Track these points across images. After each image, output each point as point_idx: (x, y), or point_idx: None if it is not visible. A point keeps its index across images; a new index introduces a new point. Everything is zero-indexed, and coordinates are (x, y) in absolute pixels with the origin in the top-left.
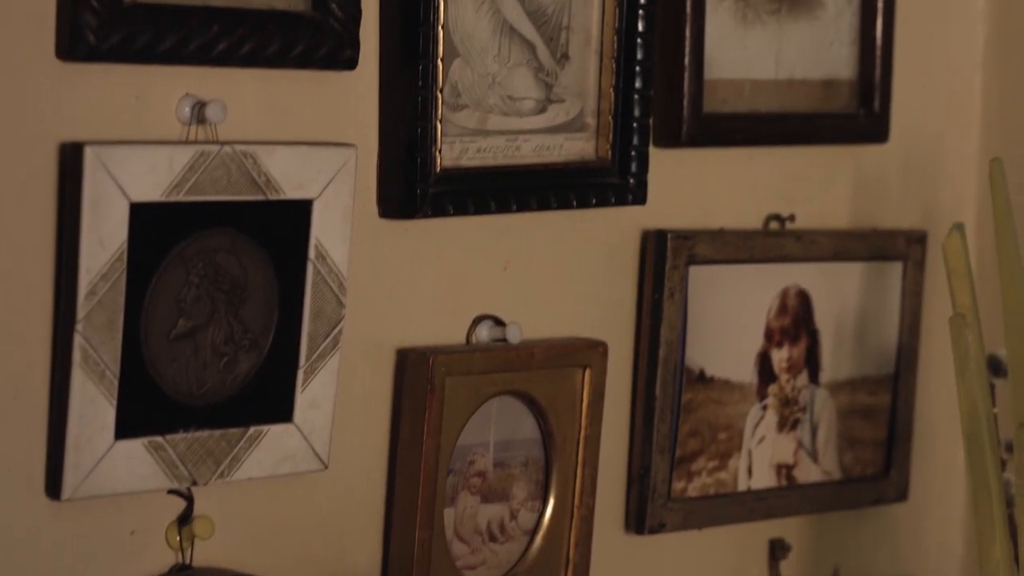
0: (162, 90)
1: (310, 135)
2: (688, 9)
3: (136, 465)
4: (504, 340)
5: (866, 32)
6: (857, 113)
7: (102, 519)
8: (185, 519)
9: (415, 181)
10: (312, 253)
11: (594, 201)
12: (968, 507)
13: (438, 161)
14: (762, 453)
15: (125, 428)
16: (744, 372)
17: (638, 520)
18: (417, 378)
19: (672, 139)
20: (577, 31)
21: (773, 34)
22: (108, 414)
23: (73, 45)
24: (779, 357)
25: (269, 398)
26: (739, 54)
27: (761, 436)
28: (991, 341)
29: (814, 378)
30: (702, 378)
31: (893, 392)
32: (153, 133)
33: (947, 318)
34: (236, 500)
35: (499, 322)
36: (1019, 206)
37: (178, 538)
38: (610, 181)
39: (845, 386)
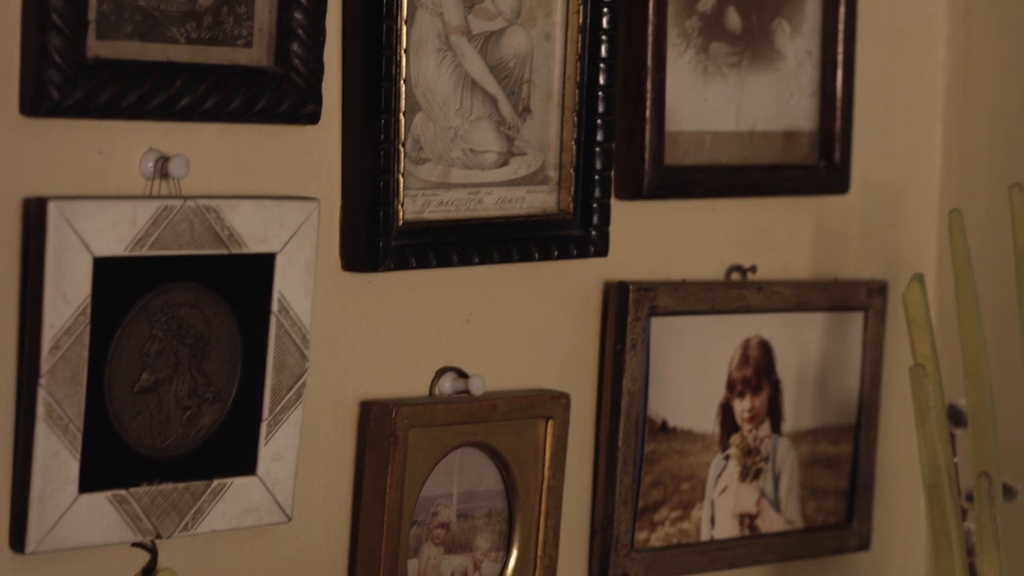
0: (125, 145)
1: (273, 189)
2: (649, 62)
3: (100, 518)
4: (467, 392)
5: (826, 84)
6: (818, 165)
7: (66, 573)
8: (149, 572)
9: (378, 234)
10: (275, 306)
11: (556, 253)
12: (929, 556)
13: (400, 214)
14: (725, 503)
15: (89, 482)
16: (706, 422)
17: (601, 570)
18: (380, 430)
19: (634, 191)
20: (539, 85)
21: (734, 86)
22: (72, 468)
23: (37, 101)
24: (741, 407)
25: (233, 451)
26: (700, 106)
27: (724, 486)
28: (951, 391)
29: (776, 428)
30: (664, 429)
31: (855, 442)
32: (116, 188)
33: (907, 368)
34: (200, 553)
35: (462, 374)
36: (978, 257)
37: None
38: (572, 233)
39: (807, 436)
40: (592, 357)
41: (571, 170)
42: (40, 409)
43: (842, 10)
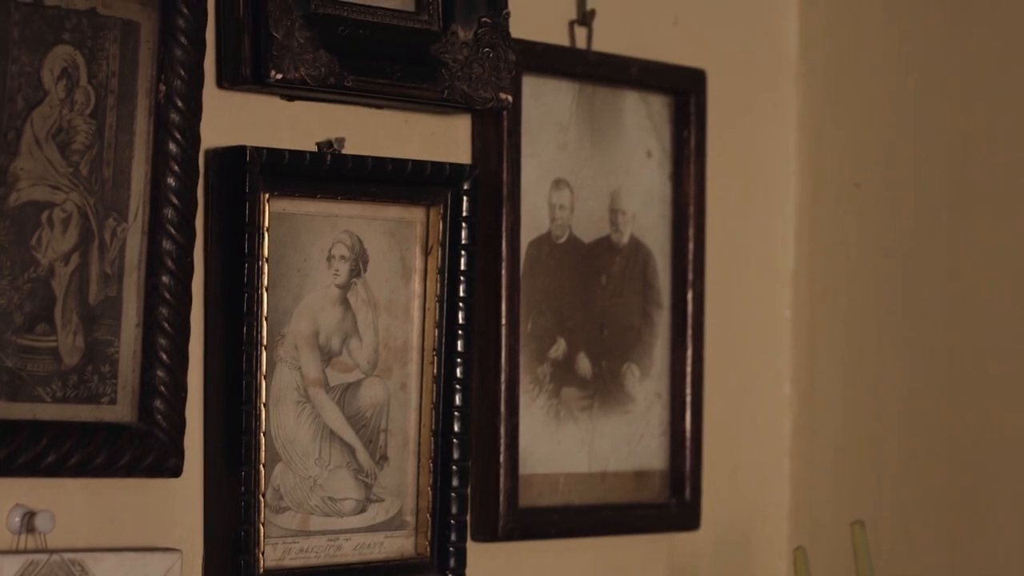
0: None
1: (137, 540)
2: (502, 409)
3: None
4: None
5: (676, 424)
6: (669, 503)
7: None
8: None
9: None
10: None
11: None
12: None
13: (261, 563)
14: None
15: None
16: None
17: None
18: None
19: (489, 534)
20: (395, 433)
21: (585, 429)
22: None
23: None
24: None
25: None
26: (553, 449)
27: None
28: None
29: None
30: None
31: None
32: None
33: None
34: None
35: None
36: None
37: None
38: None
39: None
40: None
41: (428, 515)
42: None
43: (689, 353)
